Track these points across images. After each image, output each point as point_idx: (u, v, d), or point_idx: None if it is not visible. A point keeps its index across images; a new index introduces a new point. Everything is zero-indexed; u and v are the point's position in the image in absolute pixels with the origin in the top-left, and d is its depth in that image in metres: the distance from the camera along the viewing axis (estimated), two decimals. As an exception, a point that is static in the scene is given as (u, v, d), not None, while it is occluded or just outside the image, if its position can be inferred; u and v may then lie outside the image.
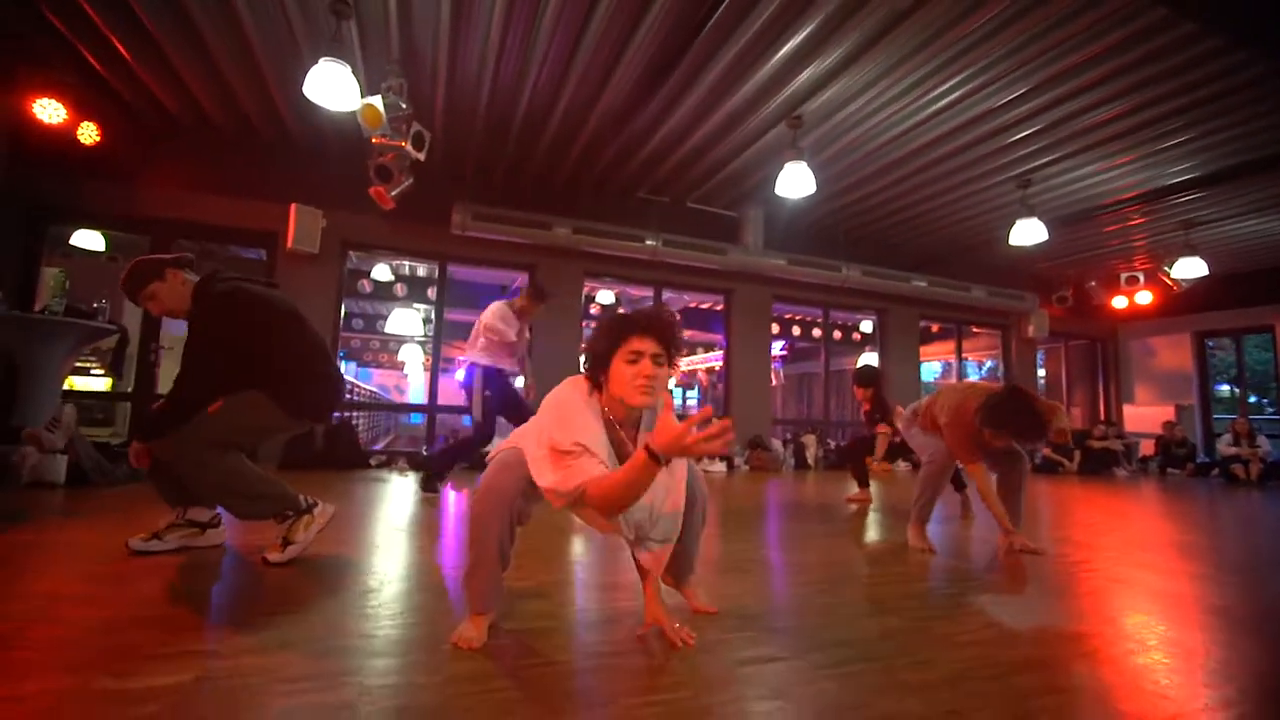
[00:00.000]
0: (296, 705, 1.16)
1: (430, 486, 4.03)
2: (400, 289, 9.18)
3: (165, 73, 4.60)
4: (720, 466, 6.62)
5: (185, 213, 5.38)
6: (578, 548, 2.68)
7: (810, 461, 7.31)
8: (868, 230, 7.66)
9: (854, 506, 4.26)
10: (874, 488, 4.84)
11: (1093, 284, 8.97)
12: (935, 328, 9.86)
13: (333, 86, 3.89)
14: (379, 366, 16.39)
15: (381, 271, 8.21)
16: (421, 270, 9.25)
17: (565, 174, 6.25)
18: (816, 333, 10.29)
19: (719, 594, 1.91)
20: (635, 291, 8.26)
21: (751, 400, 7.43)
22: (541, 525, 2.86)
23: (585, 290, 8.72)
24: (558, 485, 1.40)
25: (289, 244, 5.38)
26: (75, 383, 6.28)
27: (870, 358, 9.12)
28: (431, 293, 9.64)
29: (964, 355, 10.76)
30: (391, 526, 3.06)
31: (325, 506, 2.28)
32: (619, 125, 5.26)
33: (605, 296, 8.90)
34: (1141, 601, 2.12)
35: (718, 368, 9.51)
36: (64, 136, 4.66)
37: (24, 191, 4.92)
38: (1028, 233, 6.27)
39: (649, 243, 6.48)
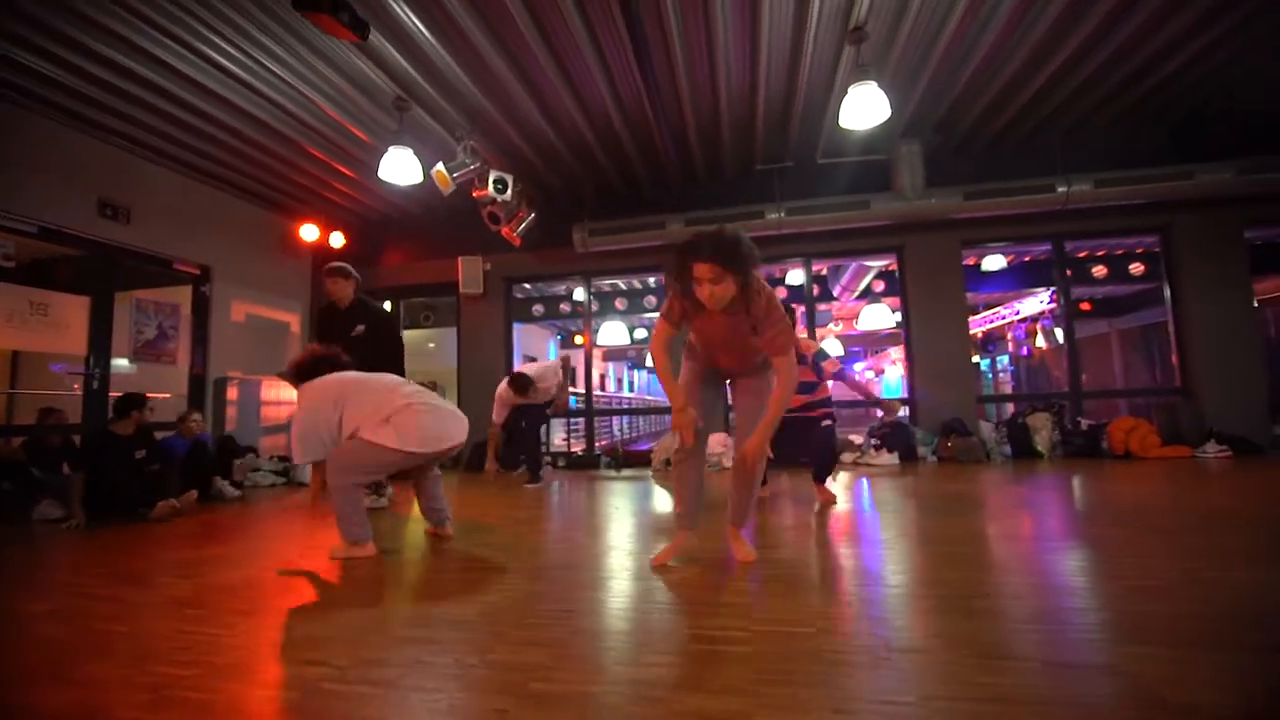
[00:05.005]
0: None
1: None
2: (620, 303, 10.21)
3: (365, 189, 6.34)
4: (890, 459, 5.61)
5: (404, 279, 7.22)
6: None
7: (1040, 448, 5.56)
8: (1099, 119, 5.52)
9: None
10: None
11: None
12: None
13: (401, 167, 4.86)
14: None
15: (579, 293, 9.27)
16: (636, 283, 10.13)
17: (673, 171, 6.21)
18: (1101, 270, 7.67)
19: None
20: (789, 268, 7.47)
21: (943, 375, 6.06)
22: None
23: (777, 272, 8.39)
24: None
25: (460, 288, 6.72)
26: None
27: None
28: (648, 301, 10.58)
29: None
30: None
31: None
32: (669, 112, 5.09)
33: (795, 276, 8.25)
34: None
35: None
36: (323, 244, 6.82)
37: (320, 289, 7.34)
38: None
39: (771, 216, 5.95)
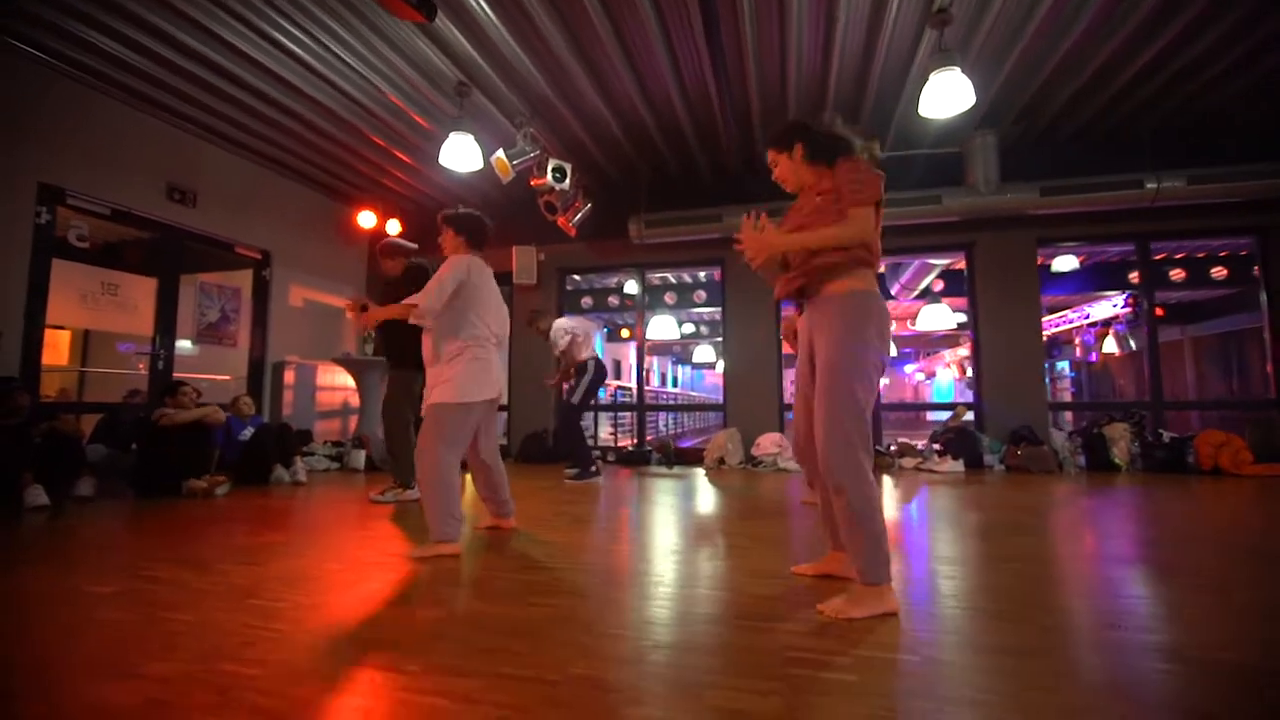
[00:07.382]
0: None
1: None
2: (670, 298, 10.07)
3: (422, 177, 6.35)
4: (954, 466, 5.33)
5: (457, 268, 7.21)
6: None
7: (1118, 460, 5.21)
8: (1190, 113, 5.12)
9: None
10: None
11: None
12: None
13: (462, 153, 4.81)
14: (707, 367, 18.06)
15: (632, 285, 9.15)
16: (686, 277, 9.99)
17: (732, 160, 6.03)
18: (1179, 273, 7.16)
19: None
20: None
21: (1012, 380, 5.73)
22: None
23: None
24: None
25: (514, 278, 6.68)
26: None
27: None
28: (698, 296, 10.38)
29: None
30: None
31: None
32: (735, 95, 4.93)
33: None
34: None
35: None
36: (380, 231, 6.87)
37: (376, 269, 7.43)
38: None
39: (835, 210, 5.70)
